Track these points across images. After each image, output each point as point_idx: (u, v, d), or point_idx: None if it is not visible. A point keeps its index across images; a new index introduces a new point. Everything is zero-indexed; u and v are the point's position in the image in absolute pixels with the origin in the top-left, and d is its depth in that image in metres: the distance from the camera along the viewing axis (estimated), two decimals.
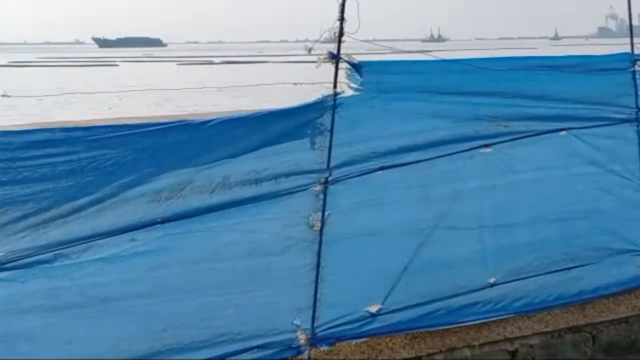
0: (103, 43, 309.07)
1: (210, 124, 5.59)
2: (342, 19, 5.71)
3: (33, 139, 5.19)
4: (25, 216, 5.25)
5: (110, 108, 37.59)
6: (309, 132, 5.90)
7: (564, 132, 6.84)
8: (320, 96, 5.83)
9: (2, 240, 5.22)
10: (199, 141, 5.59)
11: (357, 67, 5.87)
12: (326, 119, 5.89)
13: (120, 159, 5.37)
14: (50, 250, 5.36)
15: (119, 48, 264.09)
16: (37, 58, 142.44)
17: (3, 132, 5.26)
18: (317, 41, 5.92)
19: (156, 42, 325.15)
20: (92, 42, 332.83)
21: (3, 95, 5.82)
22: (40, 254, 5.34)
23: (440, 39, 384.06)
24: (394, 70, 6.12)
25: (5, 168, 5.11)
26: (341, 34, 5.75)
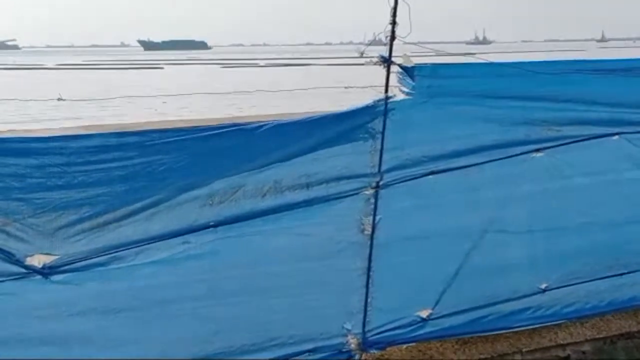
0: (148, 46, 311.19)
1: (263, 128, 5.60)
2: (394, 23, 5.69)
3: (88, 144, 5.23)
4: (80, 220, 5.30)
5: (156, 110, 37.84)
6: (361, 136, 5.89)
7: (616, 137, 6.76)
8: (372, 100, 5.82)
9: (58, 244, 5.27)
10: (251, 145, 5.61)
11: (409, 71, 5.86)
12: (378, 123, 5.87)
13: (174, 164, 5.40)
14: (104, 253, 5.41)
15: (164, 51, 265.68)
16: (83, 61, 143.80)
17: (59, 137, 5.32)
18: (368, 44, 5.92)
19: (201, 45, 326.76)
20: (138, 44, 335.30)
21: (59, 99, 5.89)
22: (95, 257, 5.40)
23: (485, 41, 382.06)
24: (445, 74, 6.09)
25: (61, 172, 5.16)
26: (393, 37, 5.74)
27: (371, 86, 5.92)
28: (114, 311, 5.54)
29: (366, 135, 5.88)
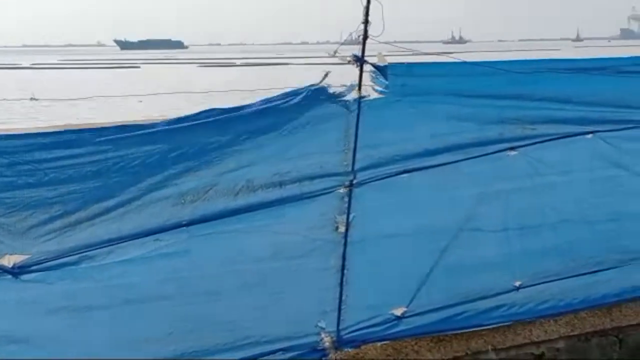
0: (125, 45, 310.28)
1: (234, 121, 5.57)
2: (366, 22, 5.69)
3: (59, 140, 5.20)
4: (51, 219, 5.27)
5: (139, 104, 37.75)
6: (334, 134, 5.88)
7: (590, 135, 6.78)
8: (345, 99, 5.80)
9: (29, 243, 5.24)
10: (223, 140, 5.58)
11: (382, 70, 5.85)
12: (351, 122, 5.86)
13: (147, 158, 5.37)
14: (76, 252, 5.38)
15: (141, 50, 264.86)
16: (59, 60, 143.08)
17: (28, 134, 5.28)
18: (341, 44, 5.90)
19: (177, 44, 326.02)
20: (114, 44, 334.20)
21: (32, 99, 5.85)
22: (66, 257, 5.36)
23: (461, 41, 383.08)
24: (418, 73, 6.08)
25: (32, 170, 5.12)
26: (366, 36, 5.73)
27: (344, 85, 5.89)
28: (85, 310, 5.50)
29: (340, 134, 5.86)
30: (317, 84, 5.70)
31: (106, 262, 5.47)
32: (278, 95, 5.71)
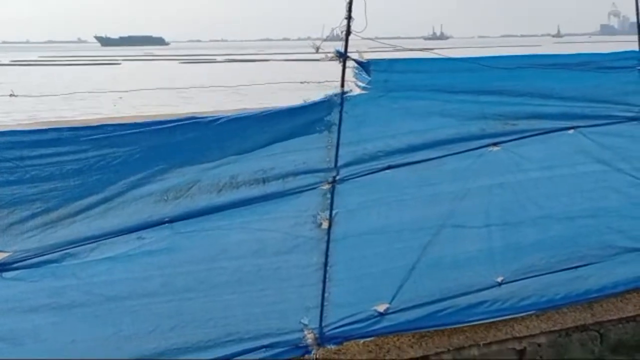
0: (105, 42, 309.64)
1: (218, 122, 5.57)
2: (349, 18, 5.68)
3: (40, 138, 5.17)
4: (33, 216, 5.23)
5: (115, 105, 37.65)
6: (316, 131, 5.87)
7: (571, 131, 6.81)
8: (327, 95, 5.80)
9: (10, 240, 5.21)
10: (206, 140, 5.57)
11: (364, 66, 5.85)
12: (334, 118, 5.85)
13: (128, 157, 5.35)
14: (58, 249, 5.35)
15: (122, 47, 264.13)
16: (39, 57, 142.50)
17: (10, 131, 5.25)
18: (324, 40, 5.90)
19: (158, 41, 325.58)
20: (95, 40, 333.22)
21: (11, 95, 5.81)
22: (48, 254, 5.33)
23: (442, 37, 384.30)
24: (401, 69, 6.09)
25: (13, 167, 5.08)
26: (348, 32, 5.72)
27: (327, 81, 5.89)
28: (67, 307, 5.47)
29: (322, 130, 5.86)
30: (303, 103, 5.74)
31: (89, 260, 5.44)
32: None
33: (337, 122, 5.87)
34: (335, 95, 5.82)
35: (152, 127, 5.43)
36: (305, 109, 5.80)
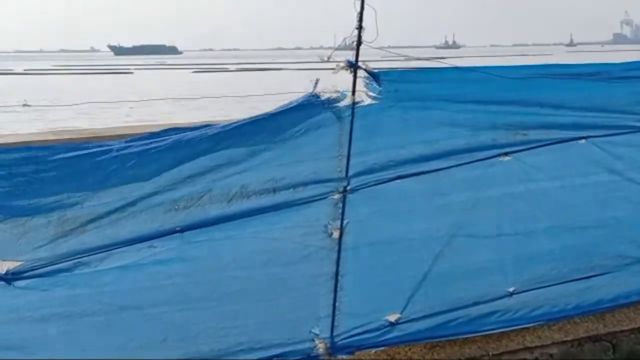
0: (118, 51, 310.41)
1: (228, 128, 5.59)
2: (360, 28, 5.70)
3: (56, 152, 5.22)
4: (44, 225, 5.26)
5: (128, 116, 37.78)
6: (327, 140, 5.88)
7: (583, 141, 6.78)
8: (338, 105, 5.81)
9: (22, 249, 5.24)
10: (217, 148, 5.59)
11: (375, 76, 5.85)
12: (344, 128, 5.87)
13: (141, 167, 5.38)
14: (69, 259, 5.38)
15: (135, 56, 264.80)
16: (52, 66, 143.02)
17: (26, 147, 5.31)
18: (335, 49, 5.92)
19: (171, 50, 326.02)
20: (108, 49, 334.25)
21: (24, 105, 5.85)
22: (59, 263, 5.36)
23: (454, 46, 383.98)
24: (412, 79, 6.10)
25: (29, 180, 5.14)
26: (359, 42, 5.73)
27: (338, 91, 5.90)
28: (79, 316, 5.49)
29: (333, 140, 5.87)
30: (311, 93, 5.71)
31: (100, 269, 5.47)
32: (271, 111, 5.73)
33: (347, 132, 5.87)
34: (346, 105, 5.81)
35: (166, 140, 5.46)
36: (317, 118, 5.79)
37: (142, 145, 5.42)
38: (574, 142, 6.77)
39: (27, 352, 5.43)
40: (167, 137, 5.50)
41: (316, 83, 5.67)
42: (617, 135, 6.93)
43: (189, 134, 5.53)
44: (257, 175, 5.71)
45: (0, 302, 5.28)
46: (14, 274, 5.24)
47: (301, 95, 5.73)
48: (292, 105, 5.71)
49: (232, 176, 5.64)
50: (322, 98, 5.73)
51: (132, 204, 5.45)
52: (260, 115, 5.67)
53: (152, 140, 5.46)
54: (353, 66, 5.75)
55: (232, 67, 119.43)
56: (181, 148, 5.50)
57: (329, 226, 6.03)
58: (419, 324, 6.56)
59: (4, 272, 5.21)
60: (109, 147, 5.37)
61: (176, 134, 5.54)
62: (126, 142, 5.45)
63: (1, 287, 5.24)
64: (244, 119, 5.65)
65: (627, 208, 7.22)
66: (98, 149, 5.35)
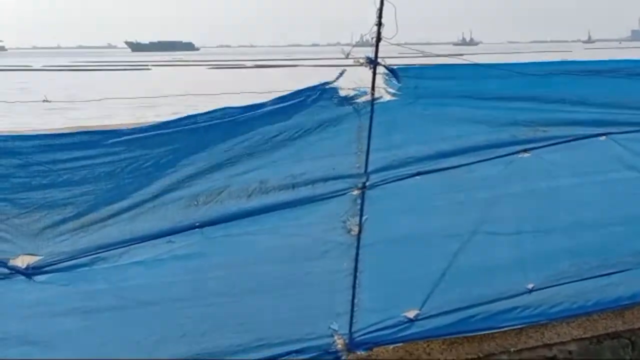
0: (136, 47, 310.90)
1: (247, 123, 5.57)
2: (379, 24, 5.69)
3: (72, 141, 5.21)
4: (64, 220, 5.27)
5: (145, 111, 37.85)
6: (347, 136, 5.88)
7: (603, 137, 6.76)
8: (357, 101, 5.81)
9: (42, 244, 5.25)
10: (236, 142, 5.59)
11: (395, 72, 5.85)
12: (364, 124, 5.86)
13: (160, 159, 5.38)
14: (89, 253, 5.39)
15: (152, 52, 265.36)
16: (70, 62, 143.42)
17: (43, 135, 5.29)
18: (353, 46, 5.91)
19: (188, 46, 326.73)
20: (125, 46, 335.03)
21: (44, 101, 5.86)
22: (79, 258, 5.37)
23: (472, 43, 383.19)
24: (431, 75, 6.09)
25: (45, 171, 5.13)
26: (379, 39, 5.73)
27: (357, 87, 5.89)
28: (98, 311, 5.51)
29: (352, 136, 5.87)
30: (331, 82, 5.70)
31: (119, 264, 5.48)
32: (291, 94, 5.70)
33: (367, 128, 5.86)
34: (366, 101, 5.81)
35: (182, 127, 5.44)
36: (336, 114, 5.79)
37: (158, 134, 5.40)
38: (594, 138, 6.75)
39: (47, 346, 5.44)
40: (180, 127, 5.47)
41: (340, 75, 5.66)
42: (637, 132, 6.89)
43: (205, 124, 5.50)
44: (276, 171, 5.72)
45: (21, 296, 5.30)
46: (33, 268, 5.25)
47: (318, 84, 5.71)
48: (310, 99, 5.69)
49: (251, 172, 5.64)
50: (341, 94, 5.73)
51: (151, 199, 5.46)
52: (280, 108, 5.66)
53: (169, 130, 5.43)
54: (372, 63, 5.75)
55: (249, 64, 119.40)
56: (199, 140, 5.50)
57: (348, 222, 6.04)
58: (437, 320, 6.56)
59: (24, 267, 5.23)
60: (127, 138, 5.34)
61: (192, 122, 5.51)
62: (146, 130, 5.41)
63: (21, 281, 5.26)
64: (264, 111, 5.64)
65: None
66: (116, 139, 5.32)
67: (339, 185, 5.95)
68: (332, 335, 6.23)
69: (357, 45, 6.02)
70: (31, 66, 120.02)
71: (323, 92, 5.71)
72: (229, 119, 5.54)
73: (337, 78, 5.69)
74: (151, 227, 5.53)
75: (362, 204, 6.04)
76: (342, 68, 5.64)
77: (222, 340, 5.88)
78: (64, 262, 5.34)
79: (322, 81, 5.70)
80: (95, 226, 5.37)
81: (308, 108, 5.72)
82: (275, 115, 5.66)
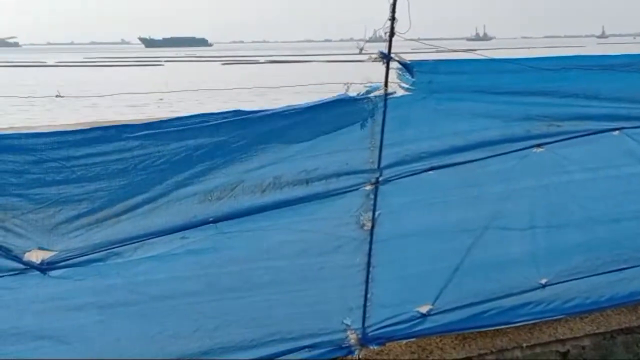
0: (149, 43, 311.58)
1: (260, 120, 5.58)
2: (393, 19, 5.67)
3: (86, 137, 5.22)
4: (78, 215, 5.28)
5: (159, 107, 37.92)
6: (360, 132, 5.88)
7: (617, 132, 6.74)
8: (371, 96, 5.80)
9: (56, 239, 5.26)
10: (250, 137, 5.60)
11: (408, 67, 5.84)
12: (377, 119, 5.85)
13: (174, 156, 5.40)
14: (103, 249, 5.40)
15: (165, 48, 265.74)
16: (84, 58, 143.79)
17: (58, 132, 5.30)
18: (366, 41, 5.90)
19: (202, 42, 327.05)
20: (139, 42, 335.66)
21: (57, 96, 5.87)
22: (93, 253, 5.39)
23: (485, 38, 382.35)
24: (445, 70, 6.07)
25: (59, 167, 5.14)
26: (392, 33, 5.71)
27: (371, 82, 5.89)
28: (112, 306, 5.52)
29: (365, 131, 5.87)
30: (343, 94, 5.72)
31: (133, 259, 5.49)
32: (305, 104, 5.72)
33: (380, 123, 5.86)
34: (379, 96, 5.81)
35: (196, 125, 5.45)
36: (349, 109, 5.79)
37: (172, 130, 5.40)
38: (608, 133, 6.73)
39: (61, 340, 5.46)
40: (194, 123, 5.47)
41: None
42: None
43: (218, 122, 5.51)
44: (290, 166, 5.72)
45: (35, 291, 5.31)
46: (48, 263, 5.27)
47: (332, 85, 5.72)
48: (325, 100, 5.70)
49: (265, 167, 5.65)
50: (354, 93, 5.74)
51: (165, 194, 5.47)
52: (295, 106, 5.67)
53: (183, 126, 5.43)
54: (386, 57, 5.74)
55: (262, 60, 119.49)
56: (213, 137, 5.50)
57: (361, 217, 6.04)
58: (450, 315, 6.56)
59: (38, 262, 5.25)
60: (141, 134, 5.34)
61: (205, 119, 5.51)
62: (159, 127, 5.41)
63: (36, 276, 5.27)
64: (277, 109, 5.65)
65: None
66: (130, 134, 5.32)
67: (352, 180, 5.95)
68: (345, 330, 6.24)
69: (371, 40, 6.01)
70: (45, 62, 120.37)
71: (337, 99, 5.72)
72: (243, 116, 5.55)
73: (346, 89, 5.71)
74: (165, 222, 5.53)
75: (375, 199, 6.04)
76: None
77: (235, 335, 5.89)
78: (78, 257, 5.34)
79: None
80: (109, 221, 5.37)
81: (322, 103, 5.72)
82: (288, 113, 5.67)
